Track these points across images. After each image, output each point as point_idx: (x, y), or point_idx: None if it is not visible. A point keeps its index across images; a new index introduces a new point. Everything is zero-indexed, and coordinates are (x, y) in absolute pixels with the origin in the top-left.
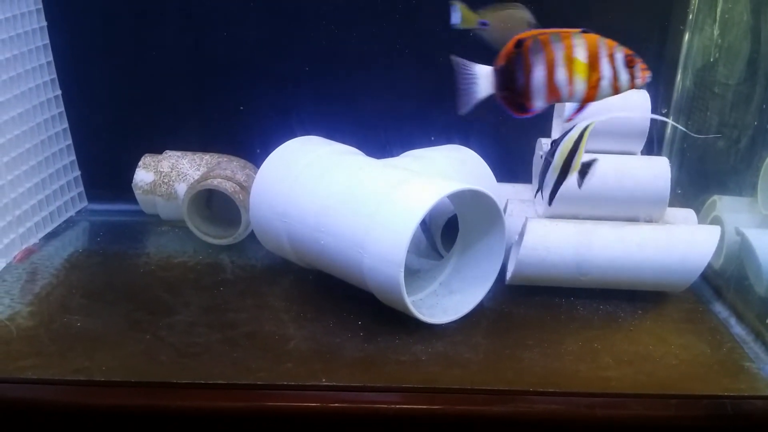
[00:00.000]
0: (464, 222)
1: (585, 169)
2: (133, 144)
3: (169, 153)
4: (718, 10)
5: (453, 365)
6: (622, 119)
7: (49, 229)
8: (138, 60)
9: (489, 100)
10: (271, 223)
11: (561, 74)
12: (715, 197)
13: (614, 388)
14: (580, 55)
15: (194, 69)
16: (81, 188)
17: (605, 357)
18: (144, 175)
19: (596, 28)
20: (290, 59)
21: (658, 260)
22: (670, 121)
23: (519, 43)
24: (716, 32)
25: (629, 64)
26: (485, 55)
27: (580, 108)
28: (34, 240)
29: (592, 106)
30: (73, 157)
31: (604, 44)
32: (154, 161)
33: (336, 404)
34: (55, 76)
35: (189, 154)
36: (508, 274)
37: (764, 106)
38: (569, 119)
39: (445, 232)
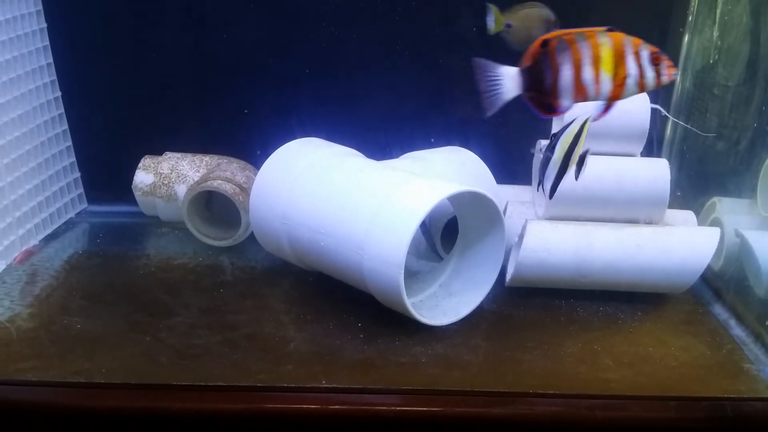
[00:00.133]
0: (464, 224)
1: (581, 161)
2: (133, 145)
3: (169, 154)
4: (718, 11)
5: (453, 367)
6: (622, 121)
7: (48, 231)
8: (138, 61)
9: (476, 98)
10: (271, 224)
11: (588, 73)
12: (715, 199)
13: (614, 389)
14: (606, 53)
15: (194, 70)
16: (81, 190)
17: (605, 359)
18: (144, 176)
19: None
20: (290, 60)
21: (658, 262)
22: (674, 119)
23: (545, 43)
24: (716, 34)
25: (655, 62)
26: (485, 56)
27: (607, 107)
28: (34, 242)
29: (591, 105)
30: (73, 159)
31: (629, 42)
32: (153, 163)
33: (336, 406)
34: (55, 77)
35: (189, 155)
36: (508, 276)
37: (764, 108)
38: (596, 119)
39: (444, 233)
